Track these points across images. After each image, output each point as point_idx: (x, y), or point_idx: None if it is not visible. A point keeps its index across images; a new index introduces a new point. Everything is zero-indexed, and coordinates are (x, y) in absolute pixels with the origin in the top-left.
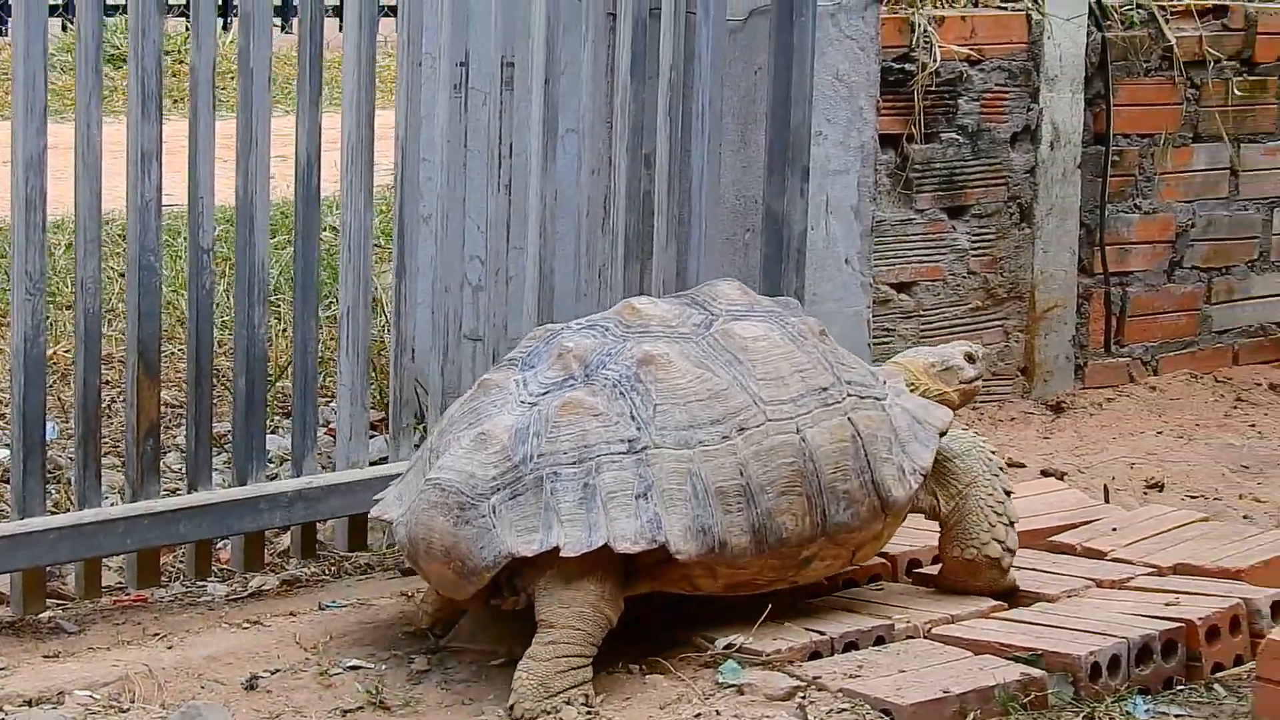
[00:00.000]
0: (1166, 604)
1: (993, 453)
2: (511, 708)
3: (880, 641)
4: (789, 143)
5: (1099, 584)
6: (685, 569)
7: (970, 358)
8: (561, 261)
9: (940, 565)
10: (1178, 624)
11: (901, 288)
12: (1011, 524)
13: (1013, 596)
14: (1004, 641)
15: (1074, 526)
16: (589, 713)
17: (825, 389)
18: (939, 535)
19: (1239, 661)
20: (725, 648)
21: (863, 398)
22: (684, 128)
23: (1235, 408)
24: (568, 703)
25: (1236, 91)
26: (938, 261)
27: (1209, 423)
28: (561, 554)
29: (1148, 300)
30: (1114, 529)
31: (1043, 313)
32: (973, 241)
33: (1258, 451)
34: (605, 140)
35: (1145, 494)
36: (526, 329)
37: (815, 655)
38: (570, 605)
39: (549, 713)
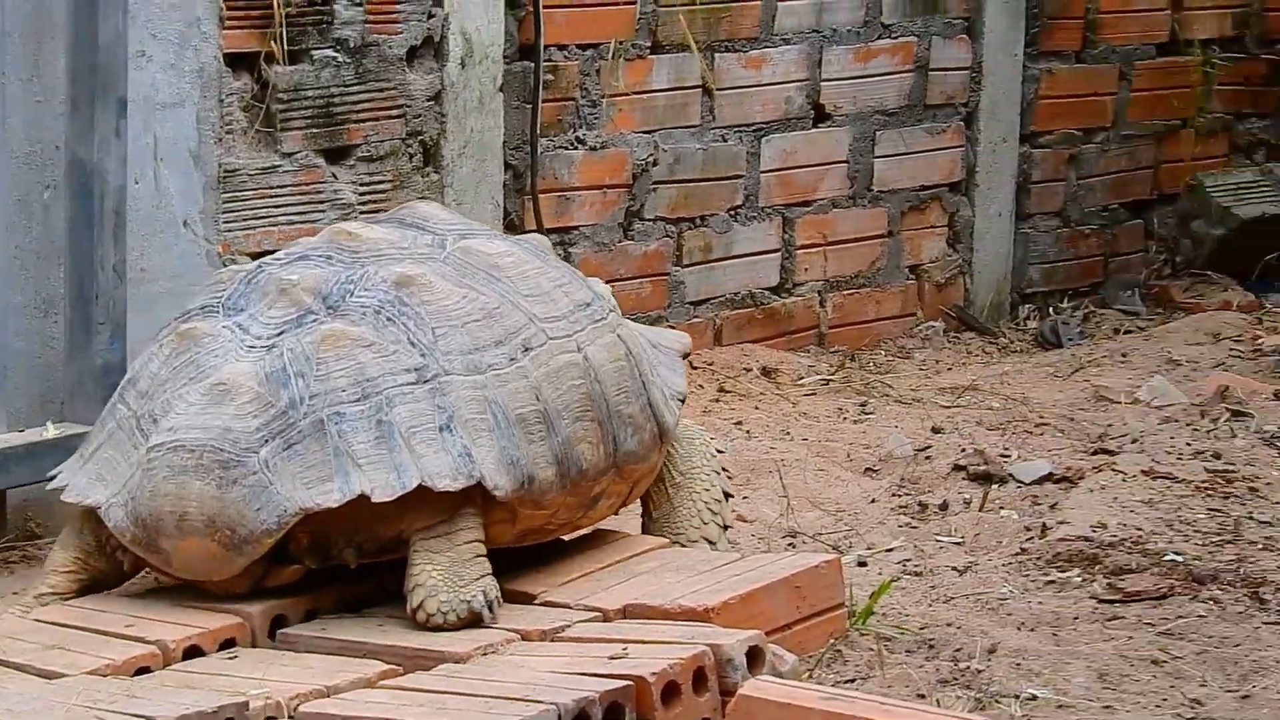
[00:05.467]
0: (612, 657)
1: (717, 450)
2: (420, 606)
3: None
4: (98, 67)
5: (524, 636)
6: (484, 515)
7: None
8: None
9: None
10: (625, 682)
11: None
12: (725, 526)
13: None
14: (392, 718)
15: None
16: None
17: (589, 304)
18: (644, 520)
19: None
20: None
21: (619, 314)
22: None
23: (718, 400)
24: (484, 593)
25: None
26: (315, 221)
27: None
28: (373, 499)
29: (599, 263)
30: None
31: None
32: (361, 193)
33: (743, 455)
34: None
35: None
36: None
37: None
38: (449, 501)
39: (466, 602)
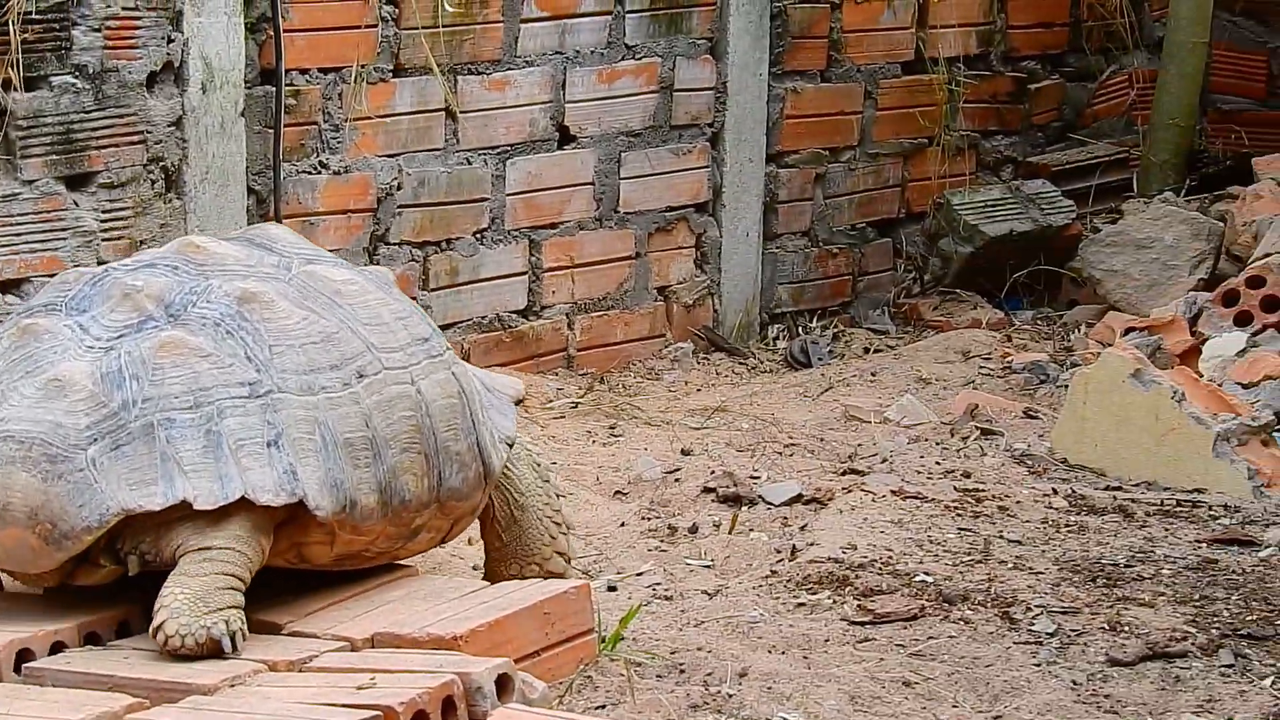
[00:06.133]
0: (359, 687)
1: (538, 455)
2: (160, 627)
3: None
4: None
5: (271, 667)
6: (303, 534)
7: None
8: None
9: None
10: (373, 712)
11: (9, 286)
12: (568, 531)
13: None
14: None
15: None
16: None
17: (427, 339)
18: (489, 550)
19: None
20: None
21: (454, 353)
22: None
23: None
24: (226, 622)
25: (448, 8)
26: (56, 249)
27: None
28: (195, 507)
29: None
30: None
31: None
32: (103, 221)
33: None
34: None
35: None
36: None
37: None
38: (225, 530)
39: (206, 628)
